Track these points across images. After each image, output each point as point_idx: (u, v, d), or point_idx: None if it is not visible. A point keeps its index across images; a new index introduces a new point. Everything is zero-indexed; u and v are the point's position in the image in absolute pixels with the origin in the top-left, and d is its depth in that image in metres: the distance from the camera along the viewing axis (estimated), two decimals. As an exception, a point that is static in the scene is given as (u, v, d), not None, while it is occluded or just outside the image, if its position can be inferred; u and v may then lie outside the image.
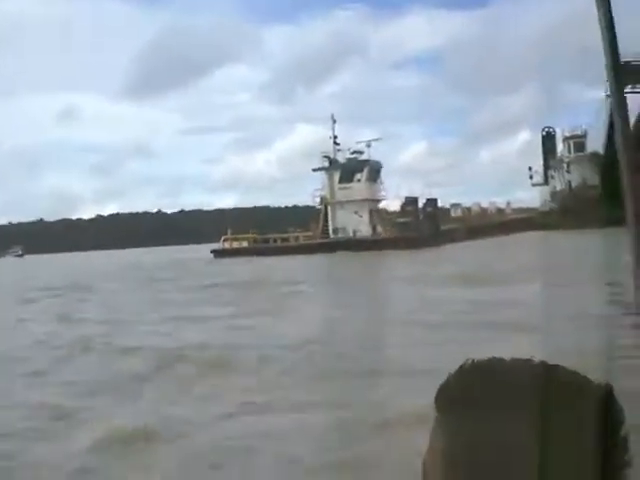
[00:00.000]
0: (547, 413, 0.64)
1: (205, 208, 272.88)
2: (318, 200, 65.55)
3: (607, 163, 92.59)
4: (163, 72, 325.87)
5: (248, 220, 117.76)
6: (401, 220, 60.66)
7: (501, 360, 0.69)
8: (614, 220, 53.90)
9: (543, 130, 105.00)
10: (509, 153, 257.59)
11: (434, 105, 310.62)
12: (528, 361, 0.69)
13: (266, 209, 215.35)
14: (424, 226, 60.19)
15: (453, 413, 0.67)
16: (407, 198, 61.04)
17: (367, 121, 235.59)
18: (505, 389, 0.66)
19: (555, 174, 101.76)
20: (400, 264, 42.00)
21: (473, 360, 0.68)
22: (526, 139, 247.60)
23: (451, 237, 62.34)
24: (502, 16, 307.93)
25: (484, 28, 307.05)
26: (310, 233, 65.68)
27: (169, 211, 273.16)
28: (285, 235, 68.46)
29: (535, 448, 0.62)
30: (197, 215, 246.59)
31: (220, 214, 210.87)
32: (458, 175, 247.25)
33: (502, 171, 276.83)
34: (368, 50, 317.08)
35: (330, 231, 64.00)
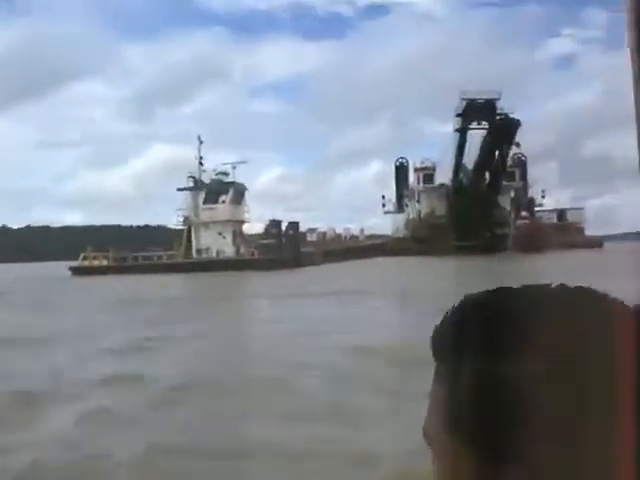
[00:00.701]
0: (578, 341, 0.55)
1: (53, 225, 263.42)
2: (181, 220, 67.23)
3: (454, 194, 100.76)
4: (17, 82, 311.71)
5: (100, 238, 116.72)
6: (264, 242, 63.30)
7: (508, 289, 0.61)
8: (461, 248, 60.20)
9: (397, 161, 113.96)
10: (363, 181, 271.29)
11: (292, 132, 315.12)
12: (543, 287, 0.60)
13: (117, 228, 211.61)
14: (286, 248, 63.21)
15: (452, 358, 0.59)
16: (271, 221, 63.70)
17: (225, 144, 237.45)
18: (518, 320, 0.56)
19: (408, 203, 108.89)
20: (262, 283, 43.38)
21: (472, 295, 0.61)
22: (379, 169, 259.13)
23: (310, 260, 65.77)
24: (359, 48, 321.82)
25: (342, 59, 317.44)
26: (174, 252, 66.70)
27: (15, 226, 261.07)
28: (149, 254, 68.47)
29: (565, 388, 0.54)
30: (44, 232, 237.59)
31: (68, 231, 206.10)
32: (313, 201, 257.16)
33: (356, 198, 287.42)
34: (229, 73, 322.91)
35: (194, 251, 65.74)
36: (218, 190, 65.83)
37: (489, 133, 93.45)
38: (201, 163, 66.49)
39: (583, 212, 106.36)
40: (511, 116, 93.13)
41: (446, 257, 69.24)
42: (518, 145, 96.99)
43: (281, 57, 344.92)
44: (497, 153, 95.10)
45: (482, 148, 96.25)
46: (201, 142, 67.18)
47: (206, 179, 67.12)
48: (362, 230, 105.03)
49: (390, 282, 36.25)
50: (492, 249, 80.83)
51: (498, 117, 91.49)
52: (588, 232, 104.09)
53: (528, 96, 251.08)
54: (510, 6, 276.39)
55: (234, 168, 66.63)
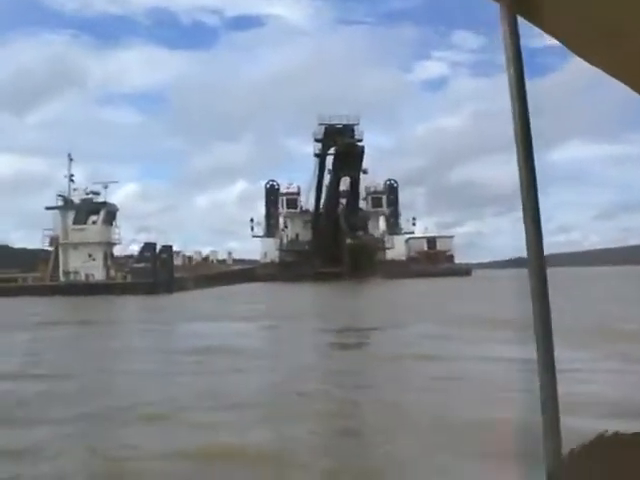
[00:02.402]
0: None
1: None
2: (48, 241, 66.49)
3: (314, 220, 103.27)
4: None
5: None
6: (137, 265, 63.75)
7: None
8: (324, 274, 63.27)
9: (267, 183, 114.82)
10: (226, 202, 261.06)
11: (150, 146, 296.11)
12: None
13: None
14: (160, 273, 63.81)
15: None
16: (146, 244, 63.75)
17: (76, 156, 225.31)
18: None
19: (276, 227, 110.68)
20: (132, 310, 44.02)
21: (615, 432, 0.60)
22: (244, 189, 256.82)
23: (182, 285, 65.90)
24: (225, 60, 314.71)
25: (208, 71, 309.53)
26: (38, 274, 65.37)
27: None
28: (11, 275, 66.59)
29: None
30: None
31: None
32: (171, 220, 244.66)
33: (218, 220, 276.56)
34: (83, 80, 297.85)
35: (60, 274, 65.19)
36: (89, 210, 65.51)
37: (334, 159, 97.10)
38: (72, 180, 66.13)
39: (452, 240, 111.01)
40: (356, 142, 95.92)
41: (309, 284, 71.97)
42: (365, 172, 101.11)
43: (140, 65, 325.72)
44: (348, 180, 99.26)
45: (332, 174, 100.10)
46: (71, 159, 66.49)
47: (75, 198, 66.71)
48: (230, 254, 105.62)
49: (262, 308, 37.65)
50: (357, 275, 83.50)
51: (342, 143, 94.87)
52: (457, 260, 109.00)
53: (398, 119, 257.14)
54: (382, 25, 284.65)
55: (106, 187, 66.43)
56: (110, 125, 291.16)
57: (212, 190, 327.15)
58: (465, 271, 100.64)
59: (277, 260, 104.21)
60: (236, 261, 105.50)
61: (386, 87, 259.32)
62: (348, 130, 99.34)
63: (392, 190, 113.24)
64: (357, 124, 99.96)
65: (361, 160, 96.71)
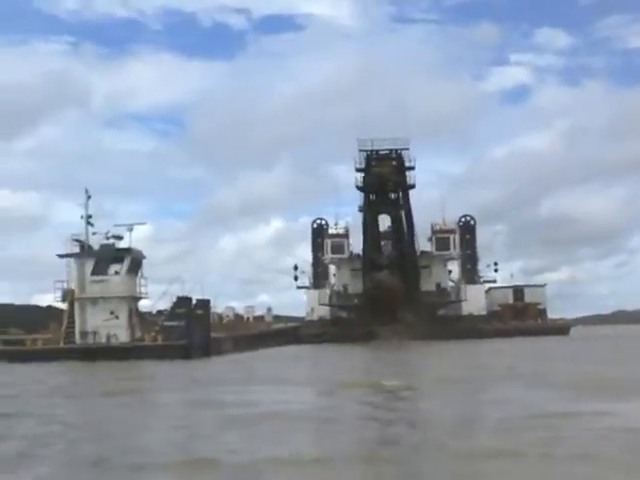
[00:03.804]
0: None
1: None
2: (60, 296, 58.11)
3: (364, 267, 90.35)
4: None
5: None
6: (169, 324, 55.39)
7: None
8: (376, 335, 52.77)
9: (314, 222, 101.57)
10: (259, 244, 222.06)
11: (164, 177, 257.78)
12: None
13: None
14: (196, 332, 55.65)
15: None
16: (179, 298, 55.44)
17: (74, 190, 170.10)
18: None
19: (324, 277, 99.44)
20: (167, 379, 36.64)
21: None
22: (280, 227, 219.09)
23: (219, 348, 58.98)
24: (254, 71, 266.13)
25: (232, 84, 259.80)
26: (50, 336, 56.99)
27: None
28: (18, 337, 59.97)
29: None
30: None
31: None
32: (188, 268, 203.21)
33: (246, 267, 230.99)
34: (85, 99, 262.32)
35: (77, 334, 56.89)
36: (111, 258, 56.96)
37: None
38: (90, 223, 57.53)
39: (544, 289, 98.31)
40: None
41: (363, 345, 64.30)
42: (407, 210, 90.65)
43: (152, 79, 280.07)
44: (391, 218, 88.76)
45: (366, 211, 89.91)
46: (89, 197, 58.24)
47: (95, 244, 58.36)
48: (270, 310, 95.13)
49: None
50: (429, 335, 73.86)
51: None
52: (550, 314, 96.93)
53: (470, 138, 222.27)
54: (447, 22, 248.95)
55: (130, 230, 57.97)
56: (116, 152, 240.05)
57: (240, 230, 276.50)
58: (562, 329, 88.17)
59: (328, 317, 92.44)
60: (276, 318, 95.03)
61: (455, 100, 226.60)
62: (393, 156, 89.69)
63: (468, 228, 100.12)
64: (407, 149, 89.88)
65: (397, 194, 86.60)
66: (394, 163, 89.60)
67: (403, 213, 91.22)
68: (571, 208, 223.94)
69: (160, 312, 60.33)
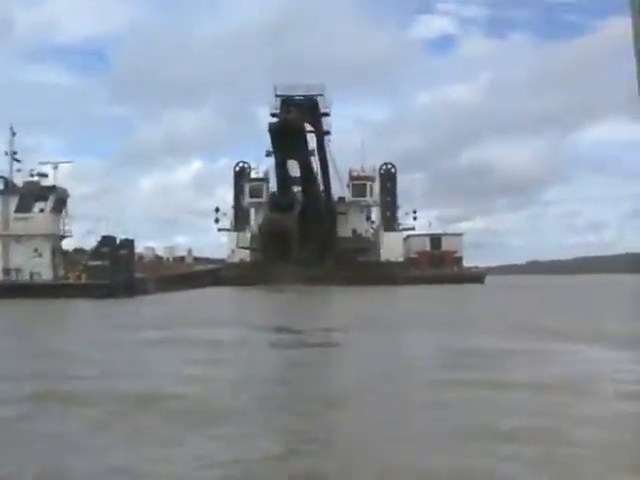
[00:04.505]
0: None
1: None
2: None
3: (270, 210, 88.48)
4: None
5: None
6: (95, 263, 56.10)
7: None
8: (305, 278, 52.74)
9: (237, 165, 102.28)
10: (179, 185, 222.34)
11: (85, 113, 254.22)
12: None
13: None
14: (119, 272, 56.35)
15: None
16: (104, 237, 56.26)
17: None
18: None
19: (246, 220, 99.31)
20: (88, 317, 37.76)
21: None
22: (201, 169, 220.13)
23: (144, 287, 59.74)
24: (183, 8, 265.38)
25: (158, 20, 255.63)
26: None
27: None
28: None
29: None
30: None
31: None
32: (107, 207, 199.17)
33: (165, 207, 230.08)
34: (6, 30, 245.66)
35: (0, 272, 57.22)
36: (35, 195, 57.41)
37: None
38: (16, 160, 57.68)
39: (461, 238, 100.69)
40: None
41: (288, 288, 65.32)
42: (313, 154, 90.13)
43: (76, 11, 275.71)
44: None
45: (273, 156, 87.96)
46: (14, 133, 58.26)
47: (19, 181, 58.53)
48: (190, 251, 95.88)
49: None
50: (340, 280, 74.80)
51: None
52: (466, 263, 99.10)
53: (394, 86, 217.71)
54: None
55: (55, 168, 58.35)
56: (33, 85, 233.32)
57: (161, 170, 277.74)
58: (477, 277, 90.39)
59: (248, 259, 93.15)
60: (196, 260, 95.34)
61: (380, 47, 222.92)
62: (308, 102, 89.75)
63: (389, 176, 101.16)
64: (321, 95, 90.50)
65: (303, 139, 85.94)
66: (308, 109, 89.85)
67: (318, 159, 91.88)
68: (490, 159, 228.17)
69: (82, 250, 60.77)
